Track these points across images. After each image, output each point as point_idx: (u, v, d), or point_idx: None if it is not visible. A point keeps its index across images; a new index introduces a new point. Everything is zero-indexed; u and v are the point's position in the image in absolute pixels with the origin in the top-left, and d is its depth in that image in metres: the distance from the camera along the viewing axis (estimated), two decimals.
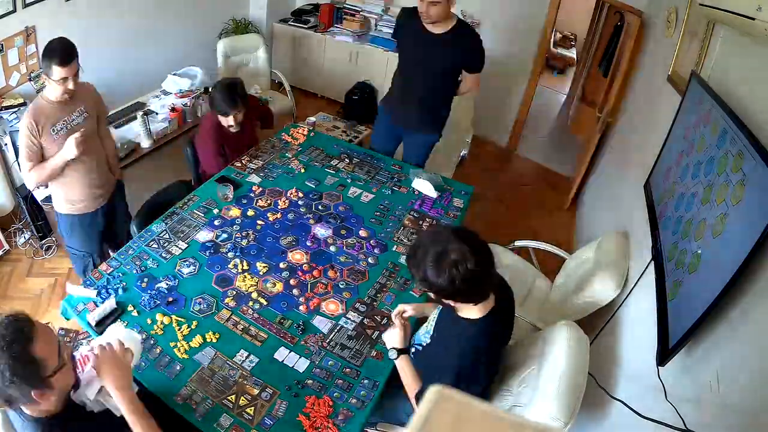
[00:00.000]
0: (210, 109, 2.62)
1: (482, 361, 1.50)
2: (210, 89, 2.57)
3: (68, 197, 2.29)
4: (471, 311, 1.49)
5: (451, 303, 1.46)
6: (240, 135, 2.68)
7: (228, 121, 2.54)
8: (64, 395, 1.24)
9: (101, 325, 1.77)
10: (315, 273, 2.08)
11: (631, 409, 1.54)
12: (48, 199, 2.55)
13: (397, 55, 2.84)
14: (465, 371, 1.46)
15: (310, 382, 1.69)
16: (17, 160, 2.62)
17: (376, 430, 1.90)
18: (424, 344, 1.70)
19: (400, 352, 1.70)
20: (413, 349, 1.76)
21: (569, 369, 1.56)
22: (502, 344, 1.62)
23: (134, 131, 2.97)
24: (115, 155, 2.53)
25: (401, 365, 1.69)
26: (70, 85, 2.00)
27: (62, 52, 1.93)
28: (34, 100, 2.07)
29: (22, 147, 2.06)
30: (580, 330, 1.72)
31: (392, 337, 1.71)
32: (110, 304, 1.80)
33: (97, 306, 1.82)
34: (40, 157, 2.09)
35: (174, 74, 3.47)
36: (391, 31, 4.55)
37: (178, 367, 1.68)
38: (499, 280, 1.58)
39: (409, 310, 1.77)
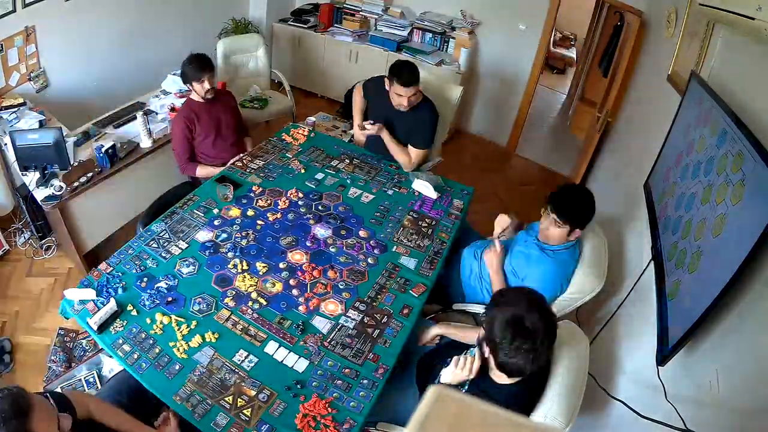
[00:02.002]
0: (185, 84, 2.86)
1: None
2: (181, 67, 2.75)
3: None
4: (502, 377, 1.49)
5: (490, 358, 1.45)
6: (213, 110, 2.83)
7: (204, 86, 2.71)
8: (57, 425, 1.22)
9: (103, 328, 1.77)
10: (315, 273, 2.08)
11: (632, 409, 1.53)
12: (48, 198, 2.55)
13: (398, 56, 2.87)
14: None
15: (309, 382, 1.69)
16: (17, 162, 2.62)
17: (376, 429, 1.90)
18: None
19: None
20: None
21: (569, 370, 1.56)
22: (527, 411, 1.57)
23: (134, 131, 2.97)
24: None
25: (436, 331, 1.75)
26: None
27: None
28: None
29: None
30: (580, 330, 1.72)
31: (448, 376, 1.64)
32: (111, 306, 1.80)
33: (96, 305, 1.82)
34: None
35: (174, 74, 3.46)
36: (392, 31, 4.58)
37: (177, 367, 1.68)
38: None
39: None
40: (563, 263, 2.04)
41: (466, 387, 1.60)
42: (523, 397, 1.52)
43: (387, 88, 2.67)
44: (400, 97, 2.60)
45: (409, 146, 2.80)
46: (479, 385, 1.56)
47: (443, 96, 3.11)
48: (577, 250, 2.09)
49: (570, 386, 1.52)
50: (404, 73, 2.55)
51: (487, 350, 1.46)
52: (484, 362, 1.51)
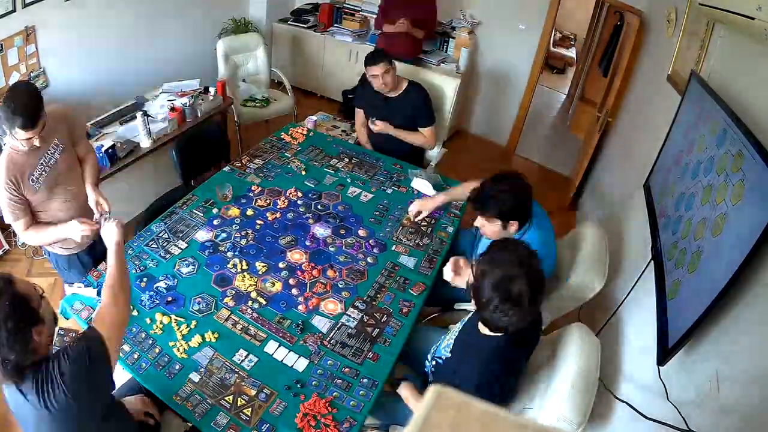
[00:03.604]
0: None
1: (499, 377, 1.50)
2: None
3: (63, 242, 2.08)
4: (486, 330, 1.51)
5: (481, 310, 1.46)
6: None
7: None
8: (52, 328, 1.31)
9: None
10: (314, 272, 2.08)
11: (637, 411, 1.53)
12: None
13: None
14: (482, 387, 1.47)
15: (309, 381, 1.69)
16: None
17: (376, 429, 1.90)
18: (444, 359, 1.71)
19: (400, 381, 1.72)
20: (434, 362, 1.77)
21: (581, 372, 1.56)
22: (516, 363, 1.59)
23: (134, 131, 2.97)
24: (98, 172, 2.20)
25: (405, 394, 1.70)
26: (36, 143, 1.76)
27: (27, 115, 1.67)
28: (4, 156, 1.82)
29: (5, 207, 1.84)
30: (591, 332, 1.72)
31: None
32: None
33: (94, 309, 1.82)
34: (28, 210, 1.91)
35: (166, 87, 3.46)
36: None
37: (177, 367, 1.68)
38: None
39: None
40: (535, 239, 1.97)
41: (452, 344, 1.67)
42: (508, 351, 1.52)
43: (368, 79, 2.86)
44: (375, 78, 2.80)
45: (419, 129, 2.95)
46: (465, 340, 1.59)
47: (441, 92, 3.14)
48: (527, 238, 1.94)
49: (582, 389, 1.52)
50: (369, 55, 2.83)
51: (473, 302, 1.49)
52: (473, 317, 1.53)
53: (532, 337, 1.61)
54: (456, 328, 1.76)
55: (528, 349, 1.60)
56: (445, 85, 3.14)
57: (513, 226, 1.90)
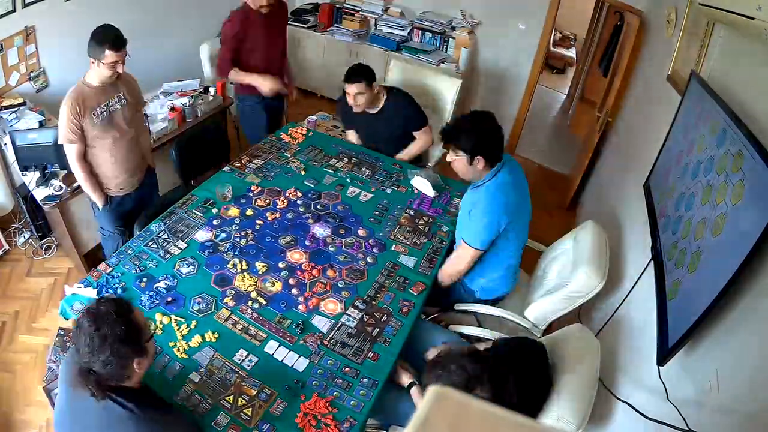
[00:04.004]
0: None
1: None
2: None
3: (102, 179, 2.39)
4: None
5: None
6: (267, 25, 2.89)
7: None
8: (149, 364, 1.36)
9: None
10: (314, 272, 2.08)
11: (637, 411, 1.53)
12: (48, 198, 2.55)
13: (398, 56, 2.92)
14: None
15: (309, 381, 1.69)
16: (17, 162, 2.62)
17: (376, 429, 1.90)
18: None
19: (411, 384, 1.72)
20: None
21: (581, 372, 1.56)
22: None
23: None
24: (149, 146, 2.66)
25: (416, 398, 1.71)
26: (119, 69, 2.15)
27: (116, 37, 2.08)
28: (74, 87, 2.16)
29: (63, 128, 2.15)
30: (590, 333, 1.73)
31: (402, 379, 1.70)
32: None
33: None
34: (82, 139, 2.21)
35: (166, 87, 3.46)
36: (391, 30, 4.58)
37: (177, 367, 1.68)
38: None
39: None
40: (487, 193, 2.01)
41: None
42: None
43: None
44: (348, 95, 2.70)
45: (413, 133, 2.90)
46: None
47: (441, 92, 3.13)
48: (499, 180, 2.01)
49: (581, 388, 1.52)
50: (349, 72, 2.68)
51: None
52: None
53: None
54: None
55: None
56: (446, 85, 3.14)
57: (480, 162, 1.95)
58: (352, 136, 3.09)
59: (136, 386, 1.32)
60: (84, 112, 2.15)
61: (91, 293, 1.88)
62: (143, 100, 2.59)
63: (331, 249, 2.23)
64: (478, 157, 1.93)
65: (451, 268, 2.13)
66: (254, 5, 2.76)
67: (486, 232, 1.99)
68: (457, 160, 1.98)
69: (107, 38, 2.06)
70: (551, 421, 1.48)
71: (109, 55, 2.07)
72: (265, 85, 2.93)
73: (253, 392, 1.63)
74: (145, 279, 1.97)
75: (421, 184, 2.64)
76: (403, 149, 2.96)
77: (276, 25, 3.01)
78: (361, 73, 2.65)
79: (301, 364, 1.74)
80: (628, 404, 1.62)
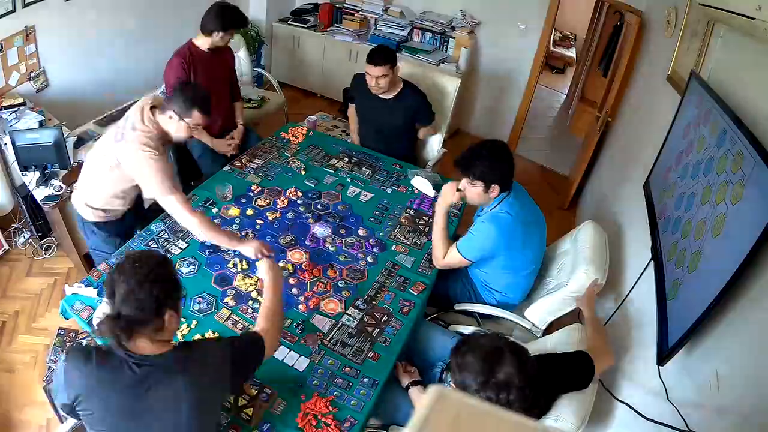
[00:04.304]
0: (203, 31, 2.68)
1: None
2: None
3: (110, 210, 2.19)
4: None
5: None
6: (213, 62, 2.76)
7: (223, 39, 2.67)
8: (178, 325, 1.34)
9: None
10: (314, 272, 2.08)
11: (636, 411, 1.53)
12: (47, 198, 2.55)
13: (398, 56, 2.92)
14: None
15: (309, 380, 1.69)
16: (17, 162, 2.61)
17: (376, 428, 1.90)
18: None
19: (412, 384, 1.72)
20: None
21: None
22: None
23: None
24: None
25: (415, 398, 1.71)
26: (196, 134, 2.17)
27: (206, 104, 1.98)
28: (148, 130, 1.96)
29: (159, 175, 1.93)
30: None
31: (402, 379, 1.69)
32: (106, 305, 1.79)
33: (94, 310, 1.81)
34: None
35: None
36: (392, 30, 4.58)
37: None
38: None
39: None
40: (494, 218, 2.02)
41: None
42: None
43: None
44: (370, 77, 2.69)
45: (418, 126, 2.93)
46: None
47: (441, 92, 3.13)
48: (509, 205, 2.04)
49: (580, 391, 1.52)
50: (373, 53, 2.68)
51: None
52: None
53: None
54: None
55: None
56: (446, 85, 3.14)
57: (494, 191, 1.98)
58: (352, 110, 3.10)
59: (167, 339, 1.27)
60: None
61: (91, 293, 1.88)
62: None
63: (332, 249, 2.23)
64: (494, 185, 1.97)
65: (442, 261, 2.13)
66: (204, 45, 2.69)
67: (477, 251, 2.06)
68: (472, 189, 2.00)
69: (197, 103, 1.94)
70: (550, 421, 1.48)
71: (198, 117, 1.97)
72: (218, 147, 2.85)
73: (254, 392, 1.63)
74: None
75: (421, 184, 2.65)
76: (398, 144, 2.96)
77: (224, 66, 2.90)
78: (386, 56, 2.66)
79: (301, 363, 1.74)
80: (627, 404, 1.62)
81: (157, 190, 1.97)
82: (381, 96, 2.79)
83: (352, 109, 3.12)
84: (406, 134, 2.98)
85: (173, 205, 1.98)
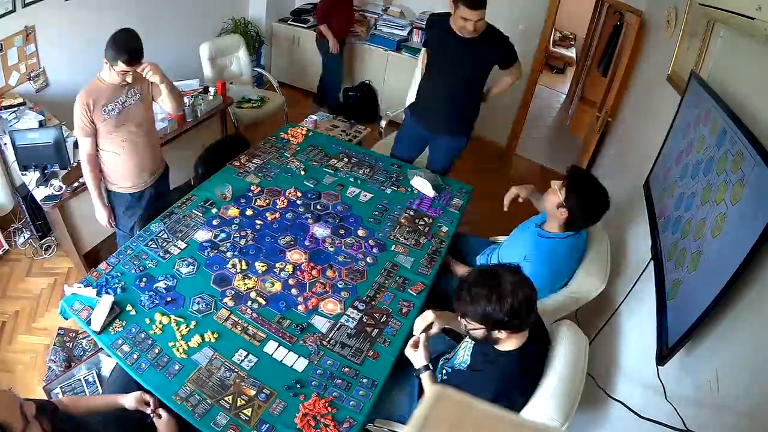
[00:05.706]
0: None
1: (516, 390, 1.52)
2: None
3: (115, 177, 2.36)
4: (510, 342, 1.50)
5: (498, 334, 1.46)
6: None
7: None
8: None
9: (103, 328, 1.77)
10: (314, 272, 2.08)
11: (631, 410, 1.53)
12: (48, 198, 2.55)
13: (398, 56, 2.88)
14: (501, 399, 1.47)
15: (308, 381, 1.69)
16: (17, 162, 2.62)
17: (375, 425, 1.90)
18: (458, 370, 1.70)
19: (425, 368, 1.70)
20: (445, 371, 1.76)
21: (567, 369, 1.56)
22: (534, 376, 1.59)
23: None
24: (158, 143, 2.63)
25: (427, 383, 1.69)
26: (129, 79, 2.15)
27: (133, 51, 2.06)
28: (90, 82, 2.18)
29: (76, 120, 2.17)
30: (579, 330, 1.72)
31: (418, 358, 1.66)
32: (106, 303, 1.79)
33: (91, 308, 1.81)
34: (93, 132, 2.21)
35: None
36: (391, 30, 4.58)
37: (176, 367, 1.68)
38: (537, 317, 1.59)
39: (435, 325, 1.71)
40: (561, 248, 2.01)
41: (469, 359, 1.65)
42: (527, 358, 1.52)
43: (451, 11, 2.52)
44: (466, 21, 2.46)
45: (505, 67, 2.82)
46: (488, 362, 1.56)
47: None
48: (580, 240, 2.06)
49: (567, 386, 1.52)
50: None
51: (492, 328, 1.46)
52: (487, 342, 1.53)
53: (541, 356, 1.61)
54: (470, 345, 1.71)
55: (538, 366, 1.59)
56: None
57: (565, 213, 1.96)
58: (419, 70, 2.99)
59: None
60: (95, 108, 2.13)
61: (91, 293, 1.87)
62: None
63: (331, 249, 2.23)
64: (573, 214, 1.96)
65: None
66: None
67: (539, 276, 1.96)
68: (551, 196, 2.02)
69: (124, 51, 2.03)
70: (537, 416, 1.47)
71: (121, 65, 2.06)
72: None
73: (253, 392, 1.63)
74: (144, 279, 1.97)
75: (421, 185, 2.64)
76: (471, 94, 2.84)
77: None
78: (484, 1, 2.46)
79: (300, 364, 1.74)
80: (622, 403, 1.62)
81: (75, 128, 2.19)
82: (465, 36, 2.56)
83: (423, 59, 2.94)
84: (481, 81, 2.82)
85: (79, 147, 2.25)
